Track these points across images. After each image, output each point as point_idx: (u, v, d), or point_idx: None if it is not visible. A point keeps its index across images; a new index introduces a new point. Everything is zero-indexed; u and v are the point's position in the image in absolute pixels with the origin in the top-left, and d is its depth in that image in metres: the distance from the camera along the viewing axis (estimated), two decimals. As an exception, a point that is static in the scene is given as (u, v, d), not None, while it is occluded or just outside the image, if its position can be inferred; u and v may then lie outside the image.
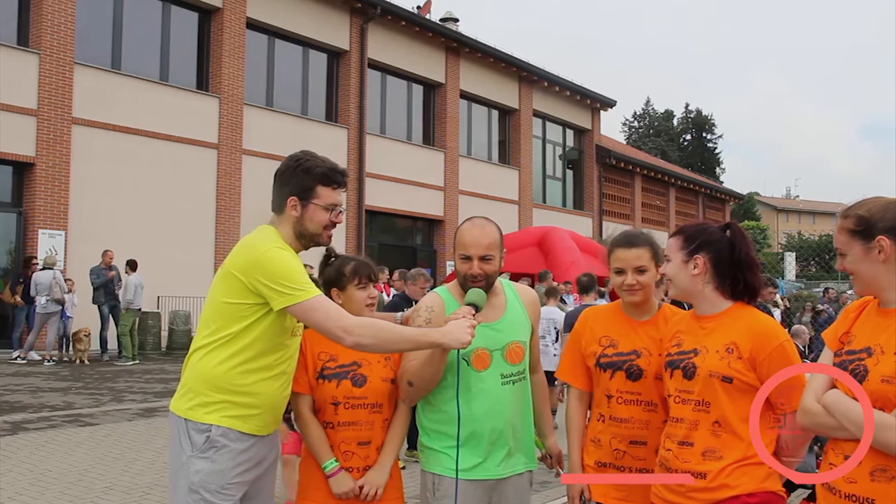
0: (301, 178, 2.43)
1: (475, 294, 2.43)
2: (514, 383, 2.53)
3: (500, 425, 2.48)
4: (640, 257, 2.49)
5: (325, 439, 2.50)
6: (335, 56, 18.60)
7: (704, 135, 60.05)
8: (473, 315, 2.34)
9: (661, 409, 2.41)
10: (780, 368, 2.15)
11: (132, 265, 12.66)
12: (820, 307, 13.25)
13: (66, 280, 12.44)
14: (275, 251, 2.34)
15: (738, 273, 2.29)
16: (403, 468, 2.69)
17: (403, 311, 3.20)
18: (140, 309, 12.88)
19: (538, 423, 2.71)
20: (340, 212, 2.50)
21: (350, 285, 2.63)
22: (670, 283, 2.36)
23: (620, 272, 2.50)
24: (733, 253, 2.30)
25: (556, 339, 8.35)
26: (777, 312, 9.73)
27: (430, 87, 21.11)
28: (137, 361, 12.61)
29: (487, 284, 2.50)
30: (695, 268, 2.29)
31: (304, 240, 2.46)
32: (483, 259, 2.49)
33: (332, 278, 2.66)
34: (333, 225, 2.47)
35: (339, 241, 17.15)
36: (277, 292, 2.28)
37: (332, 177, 2.46)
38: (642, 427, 2.44)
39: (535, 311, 2.69)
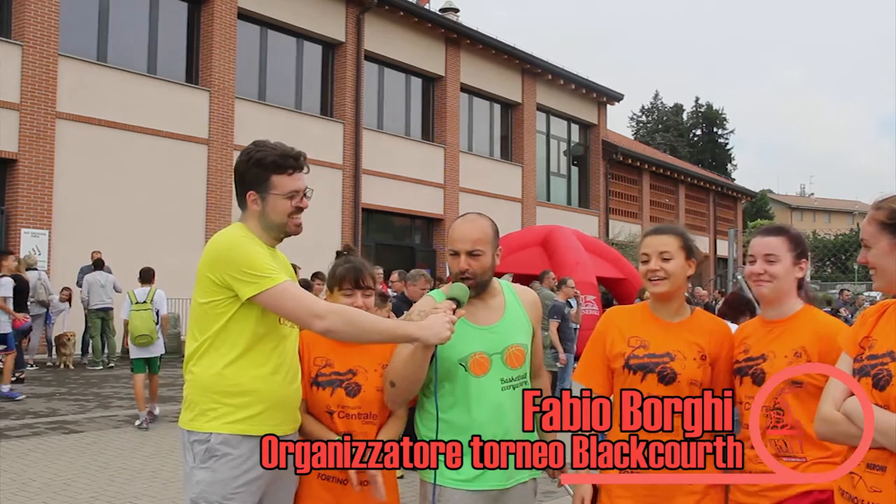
0: (254, 171, 2.41)
1: (457, 289, 2.36)
2: (514, 388, 2.44)
3: (501, 432, 2.37)
4: (666, 243, 2.43)
5: (321, 426, 2.46)
6: (330, 48, 18.25)
7: (715, 130, 59.37)
8: (454, 311, 2.26)
9: None
10: None
11: (96, 264, 12.21)
12: (843, 311, 12.97)
13: (63, 289, 12.20)
14: (236, 240, 2.33)
15: None
16: (401, 477, 2.46)
17: (403, 312, 2.99)
18: (103, 309, 12.11)
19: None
20: (306, 196, 2.43)
21: (336, 290, 2.58)
22: (771, 282, 2.31)
23: (646, 260, 2.46)
24: None
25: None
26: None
27: (430, 80, 20.75)
28: (112, 366, 12.21)
29: (479, 283, 2.41)
30: (800, 271, 2.35)
31: (273, 231, 2.43)
32: (471, 254, 2.39)
33: (328, 280, 2.65)
34: (300, 210, 2.42)
35: (335, 239, 16.80)
36: (243, 282, 2.25)
37: (284, 163, 2.40)
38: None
39: (536, 313, 2.60)
